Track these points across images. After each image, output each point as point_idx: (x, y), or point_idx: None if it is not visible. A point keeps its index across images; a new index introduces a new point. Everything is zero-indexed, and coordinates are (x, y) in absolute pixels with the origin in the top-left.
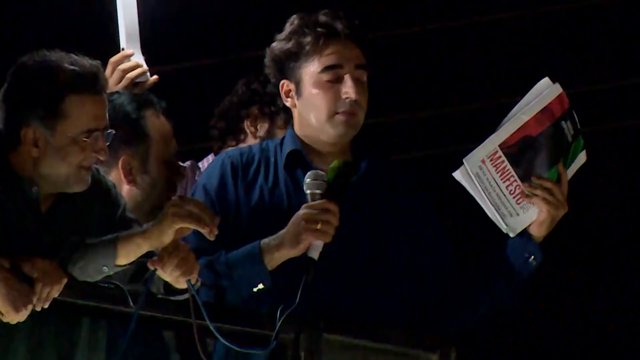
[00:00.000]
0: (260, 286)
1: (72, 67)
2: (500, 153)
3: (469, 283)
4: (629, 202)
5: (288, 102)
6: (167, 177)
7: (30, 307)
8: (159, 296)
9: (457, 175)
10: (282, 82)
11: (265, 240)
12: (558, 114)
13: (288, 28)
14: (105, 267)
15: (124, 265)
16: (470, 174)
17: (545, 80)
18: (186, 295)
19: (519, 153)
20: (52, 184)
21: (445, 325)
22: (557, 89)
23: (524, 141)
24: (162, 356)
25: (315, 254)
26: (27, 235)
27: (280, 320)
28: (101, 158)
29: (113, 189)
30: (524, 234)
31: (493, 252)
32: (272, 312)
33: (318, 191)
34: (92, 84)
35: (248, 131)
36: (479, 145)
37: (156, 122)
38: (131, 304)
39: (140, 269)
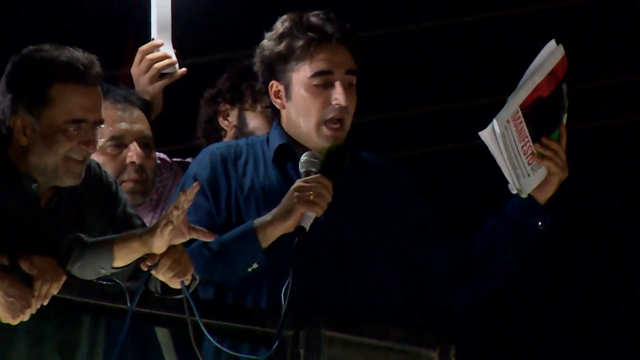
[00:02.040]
0: (255, 266)
1: (61, 57)
2: (520, 113)
3: (475, 255)
4: (626, 199)
5: (277, 103)
6: (103, 163)
7: (29, 312)
8: (156, 295)
9: (484, 134)
10: (271, 82)
11: (258, 219)
12: (561, 76)
13: (279, 29)
14: (102, 269)
15: (122, 267)
16: (497, 133)
17: (552, 42)
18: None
19: (532, 114)
20: (44, 176)
21: (456, 300)
22: (561, 51)
23: (536, 103)
24: (158, 353)
25: (306, 224)
26: (27, 231)
27: (286, 303)
28: (90, 151)
29: (114, 184)
30: (528, 199)
31: (495, 221)
32: (272, 309)
33: (313, 169)
34: (81, 74)
35: (223, 126)
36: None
37: None
38: (129, 301)
39: (139, 268)
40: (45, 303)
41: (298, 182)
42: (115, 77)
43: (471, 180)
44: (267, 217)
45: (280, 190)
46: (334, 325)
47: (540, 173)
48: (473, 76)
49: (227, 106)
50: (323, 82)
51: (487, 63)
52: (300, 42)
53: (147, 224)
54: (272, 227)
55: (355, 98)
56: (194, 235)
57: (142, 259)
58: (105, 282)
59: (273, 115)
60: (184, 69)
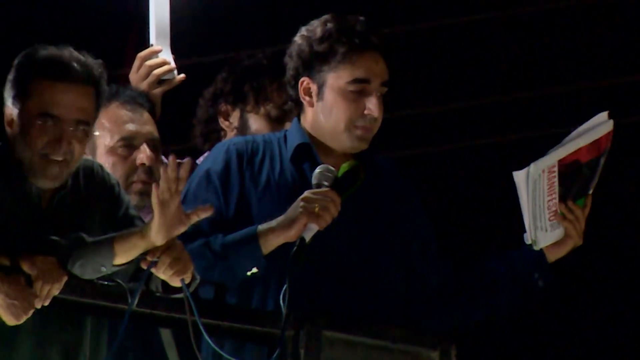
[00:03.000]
0: (254, 270)
1: (49, 54)
2: (556, 168)
3: (469, 285)
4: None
5: (305, 100)
6: (113, 163)
7: (31, 312)
8: (157, 294)
9: (518, 175)
10: (302, 79)
11: (262, 224)
12: (602, 149)
13: (321, 29)
14: (103, 267)
15: (123, 265)
16: (530, 178)
17: (604, 114)
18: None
19: (567, 174)
20: (29, 173)
21: (438, 322)
22: (610, 126)
23: (573, 164)
24: (161, 354)
25: (307, 235)
26: (28, 232)
27: (285, 310)
28: (62, 149)
29: (117, 186)
30: (538, 252)
31: (500, 261)
32: (274, 310)
33: (325, 183)
34: (62, 71)
35: (224, 127)
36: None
37: (103, 114)
38: (130, 300)
39: (141, 268)
40: (47, 304)
41: (306, 193)
42: (115, 78)
43: (471, 180)
44: (272, 223)
45: (296, 190)
46: (335, 326)
47: (558, 232)
48: (472, 76)
49: (229, 107)
50: (359, 90)
51: (486, 63)
52: (343, 47)
53: None
54: (274, 235)
55: (382, 110)
56: (194, 219)
57: (142, 258)
58: (107, 283)
59: (295, 110)
60: (182, 75)
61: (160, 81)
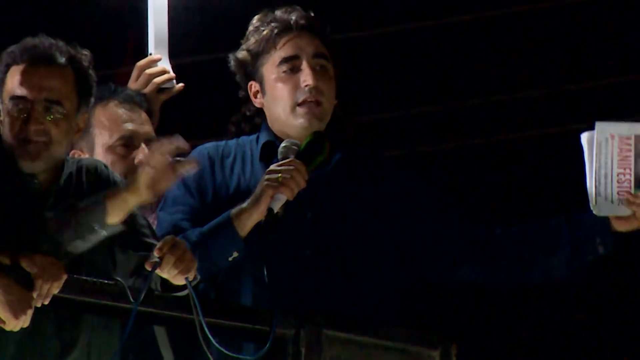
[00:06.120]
0: (235, 254)
1: (20, 43)
2: (632, 141)
3: (526, 242)
4: None
5: (257, 103)
6: (112, 162)
7: (30, 313)
8: (156, 293)
9: (584, 136)
10: (249, 84)
11: (235, 208)
12: None
13: (248, 29)
14: (96, 226)
15: (116, 225)
16: (595, 140)
17: None
18: (184, 292)
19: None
20: (18, 160)
21: (462, 276)
22: None
23: None
24: (156, 352)
25: (275, 206)
26: (30, 229)
27: (270, 287)
28: (35, 128)
29: (120, 184)
30: (604, 218)
31: (563, 221)
32: (271, 309)
33: (290, 156)
34: (27, 55)
35: None
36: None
37: (101, 113)
38: (131, 300)
39: (142, 264)
40: (46, 302)
41: (271, 167)
42: (113, 77)
43: (470, 179)
44: (243, 204)
45: None
46: (336, 325)
47: (625, 209)
48: (473, 76)
49: None
50: (291, 67)
51: (485, 63)
52: (264, 34)
53: None
54: (247, 214)
55: (330, 82)
56: (179, 170)
57: (145, 258)
58: (106, 281)
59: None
60: (181, 84)
61: (159, 90)
